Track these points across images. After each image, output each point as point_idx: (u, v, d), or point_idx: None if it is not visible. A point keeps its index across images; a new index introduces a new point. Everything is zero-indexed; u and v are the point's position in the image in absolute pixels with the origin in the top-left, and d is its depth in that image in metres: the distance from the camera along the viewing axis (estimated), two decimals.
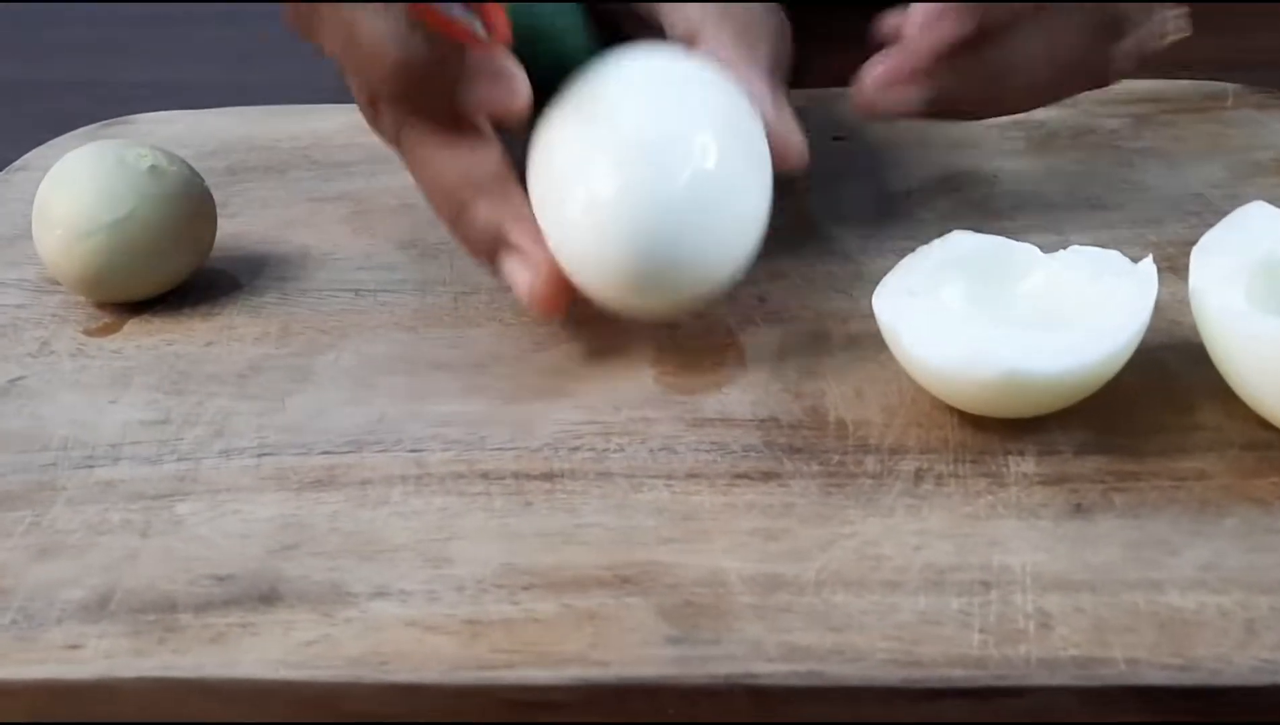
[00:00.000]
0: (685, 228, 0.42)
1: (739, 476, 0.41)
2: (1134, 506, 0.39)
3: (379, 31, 0.43)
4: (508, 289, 0.49)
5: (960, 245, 0.44)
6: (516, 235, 0.44)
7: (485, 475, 0.41)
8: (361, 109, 0.47)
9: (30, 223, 0.50)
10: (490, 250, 0.45)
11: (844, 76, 0.48)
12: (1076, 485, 0.40)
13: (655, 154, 0.42)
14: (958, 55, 0.45)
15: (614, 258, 0.42)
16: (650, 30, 0.48)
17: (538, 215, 0.44)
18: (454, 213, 0.45)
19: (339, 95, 0.62)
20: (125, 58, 0.72)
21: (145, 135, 0.51)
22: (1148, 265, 0.42)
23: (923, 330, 0.41)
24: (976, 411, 0.42)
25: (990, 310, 0.42)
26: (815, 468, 0.41)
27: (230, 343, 0.48)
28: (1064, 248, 0.44)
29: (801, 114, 0.56)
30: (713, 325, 0.47)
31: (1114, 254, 0.43)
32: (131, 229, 0.48)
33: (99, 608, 0.38)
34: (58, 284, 0.51)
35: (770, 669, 0.35)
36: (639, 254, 0.42)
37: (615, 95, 0.44)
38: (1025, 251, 0.44)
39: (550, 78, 0.45)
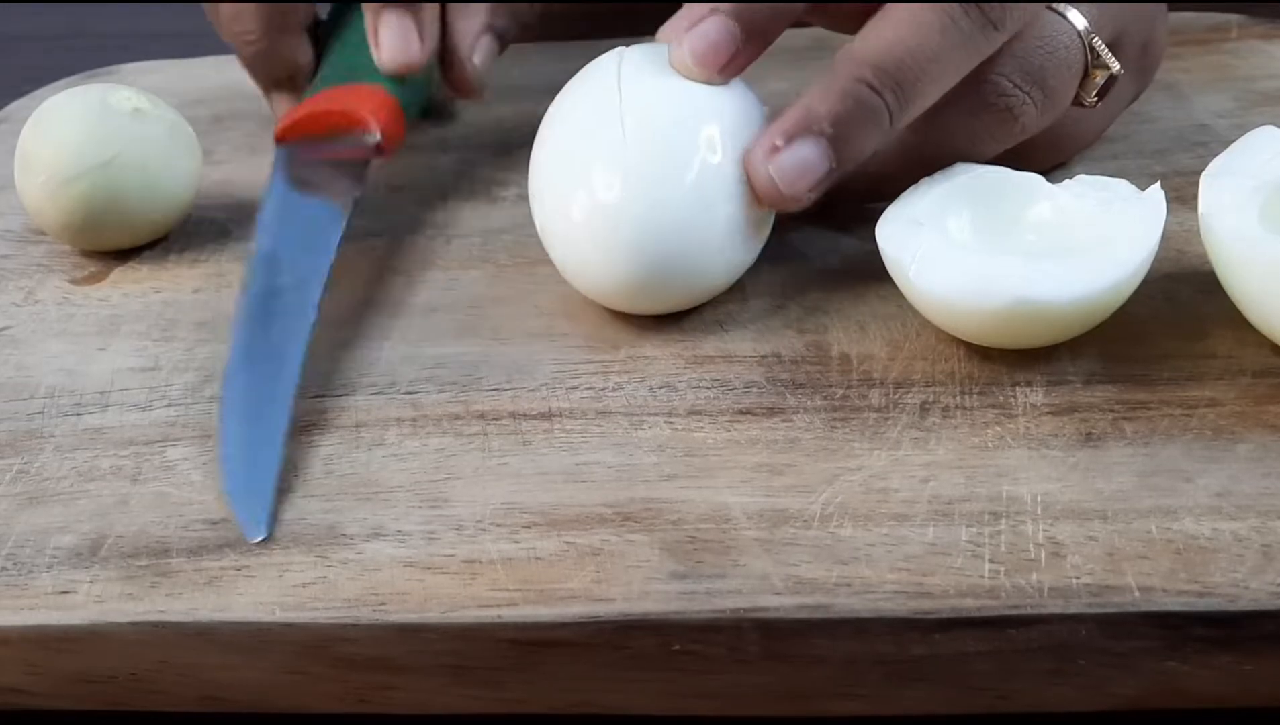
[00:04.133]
0: (689, 233, 0.41)
1: (741, 412, 0.40)
2: (1145, 435, 0.38)
3: None
4: (501, 231, 0.48)
5: (964, 176, 0.43)
6: None
7: (482, 416, 0.41)
8: None
9: (13, 175, 0.49)
10: None
11: None
12: (1086, 415, 0.39)
13: (658, 158, 0.41)
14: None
15: (617, 263, 0.41)
16: None
17: (537, 214, 0.44)
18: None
19: None
20: (105, 7, 0.71)
21: (129, 85, 0.50)
22: (1155, 191, 0.41)
23: (928, 260, 0.40)
24: (983, 342, 0.41)
25: (997, 239, 0.42)
26: (819, 403, 0.40)
27: (219, 290, 0.47)
28: (1070, 178, 0.43)
29: (801, 54, 0.55)
30: None
31: (1121, 182, 0.42)
32: (116, 173, 0.47)
33: (90, 553, 0.37)
34: (43, 234, 0.50)
35: (778, 602, 0.34)
36: (642, 259, 0.41)
37: (611, 98, 0.42)
38: (1031, 181, 0.43)
39: None
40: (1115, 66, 0.44)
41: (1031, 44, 0.43)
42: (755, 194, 0.42)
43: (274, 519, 0.38)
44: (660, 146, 0.41)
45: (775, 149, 0.41)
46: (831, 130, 0.41)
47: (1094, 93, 0.45)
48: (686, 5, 0.43)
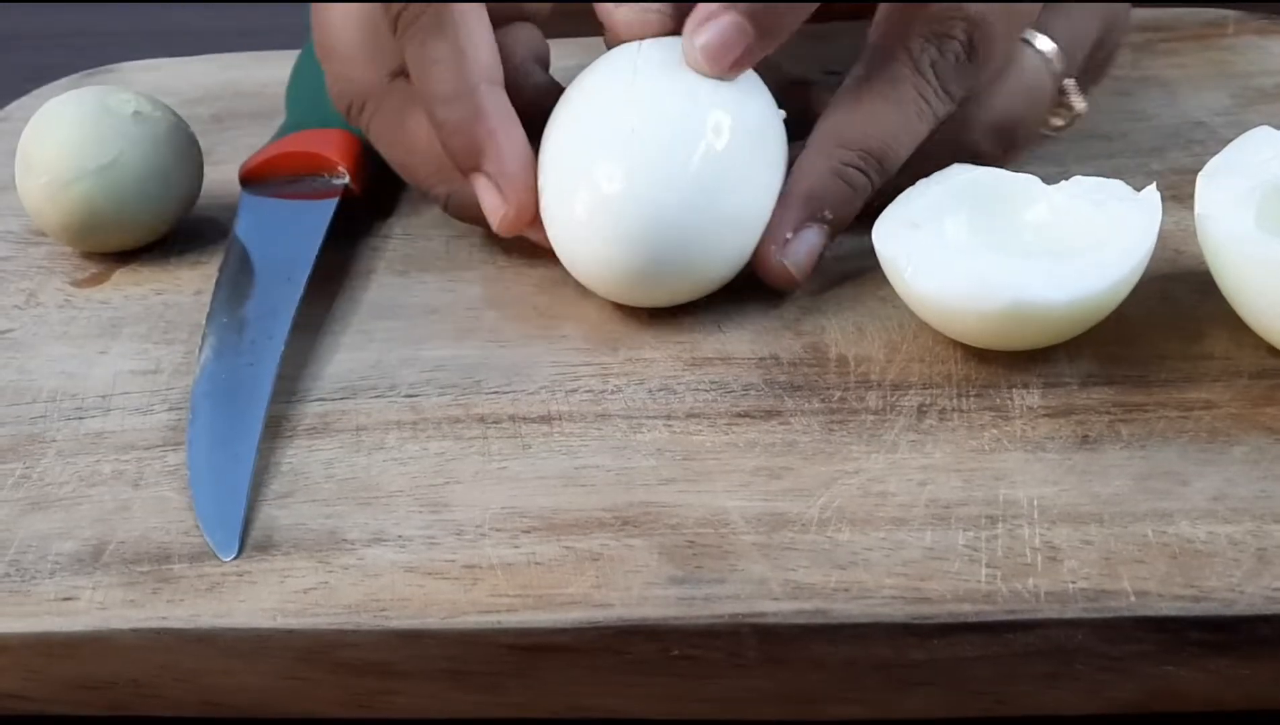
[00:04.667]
0: (691, 227, 0.42)
1: (739, 415, 0.40)
2: (1142, 437, 0.38)
3: None
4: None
5: (960, 177, 0.43)
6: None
7: (482, 419, 0.41)
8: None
9: (13, 175, 0.49)
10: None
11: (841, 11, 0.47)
12: (1083, 417, 0.39)
13: (660, 153, 0.42)
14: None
15: (618, 256, 0.42)
16: None
17: (544, 204, 0.44)
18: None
19: None
20: (105, 6, 0.71)
21: (129, 84, 0.50)
22: (1151, 192, 0.41)
23: (924, 262, 0.40)
24: (980, 344, 0.41)
25: (993, 241, 0.42)
26: (817, 405, 0.40)
27: None
28: (1065, 178, 0.43)
29: (797, 49, 0.55)
30: None
31: (1117, 183, 0.42)
32: (117, 175, 0.47)
33: (92, 559, 0.38)
34: (43, 236, 0.50)
35: (776, 608, 0.35)
36: (643, 253, 0.42)
37: (622, 89, 0.43)
38: (1027, 182, 0.43)
39: None
40: (1080, 106, 0.47)
41: (1004, 97, 0.45)
42: (766, 280, 0.43)
43: (245, 538, 0.38)
44: (666, 138, 0.42)
45: (786, 241, 0.43)
46: (831, 216, 0.43)
47: (1055, 126, 0.48)
48: (700, 3, 0.43)
